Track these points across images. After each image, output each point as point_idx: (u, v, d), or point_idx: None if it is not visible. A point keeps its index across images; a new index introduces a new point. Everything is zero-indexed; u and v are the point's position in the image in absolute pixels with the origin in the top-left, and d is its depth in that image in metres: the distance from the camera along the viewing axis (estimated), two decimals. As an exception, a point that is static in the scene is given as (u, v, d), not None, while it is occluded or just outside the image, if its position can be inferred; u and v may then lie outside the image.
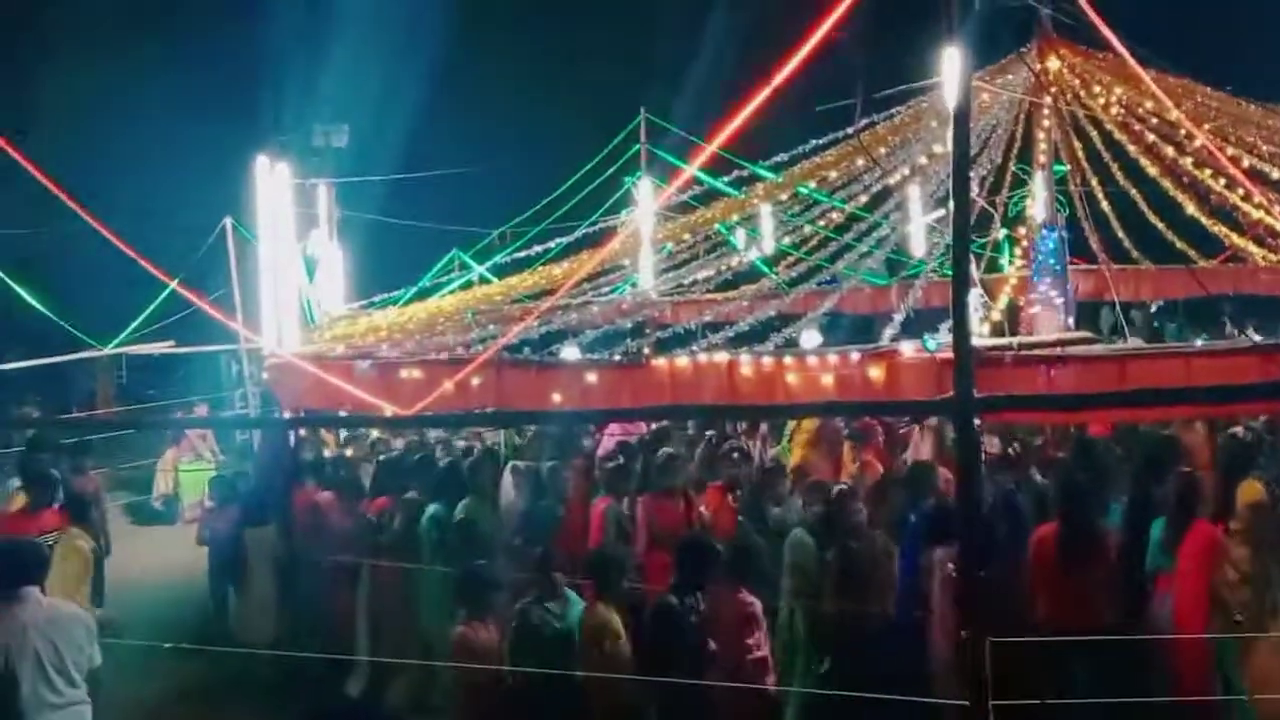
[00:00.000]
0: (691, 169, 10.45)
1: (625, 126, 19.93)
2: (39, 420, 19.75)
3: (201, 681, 9.96)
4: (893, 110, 15.38)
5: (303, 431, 12.54)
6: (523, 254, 17.48)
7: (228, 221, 17.78)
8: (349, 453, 12.80)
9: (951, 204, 9.83)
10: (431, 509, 10.05)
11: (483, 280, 18.84)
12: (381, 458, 12.59)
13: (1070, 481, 8.70)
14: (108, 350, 20.63)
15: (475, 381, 10.31)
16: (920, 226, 16.70)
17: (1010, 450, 10.56)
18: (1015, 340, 10.68)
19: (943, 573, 7.96)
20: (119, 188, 20.58)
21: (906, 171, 15.13)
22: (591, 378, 10.50)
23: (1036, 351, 9.11)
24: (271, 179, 13.52)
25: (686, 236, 16.51)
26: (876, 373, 8.94)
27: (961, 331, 4.99)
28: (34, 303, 18.95)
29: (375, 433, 13.58)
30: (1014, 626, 7.15)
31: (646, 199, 18.79)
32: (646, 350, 13.93)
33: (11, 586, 6.74)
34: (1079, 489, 8.42)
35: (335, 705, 6.65)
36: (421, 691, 9.40)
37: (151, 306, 17.90)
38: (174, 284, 10.86)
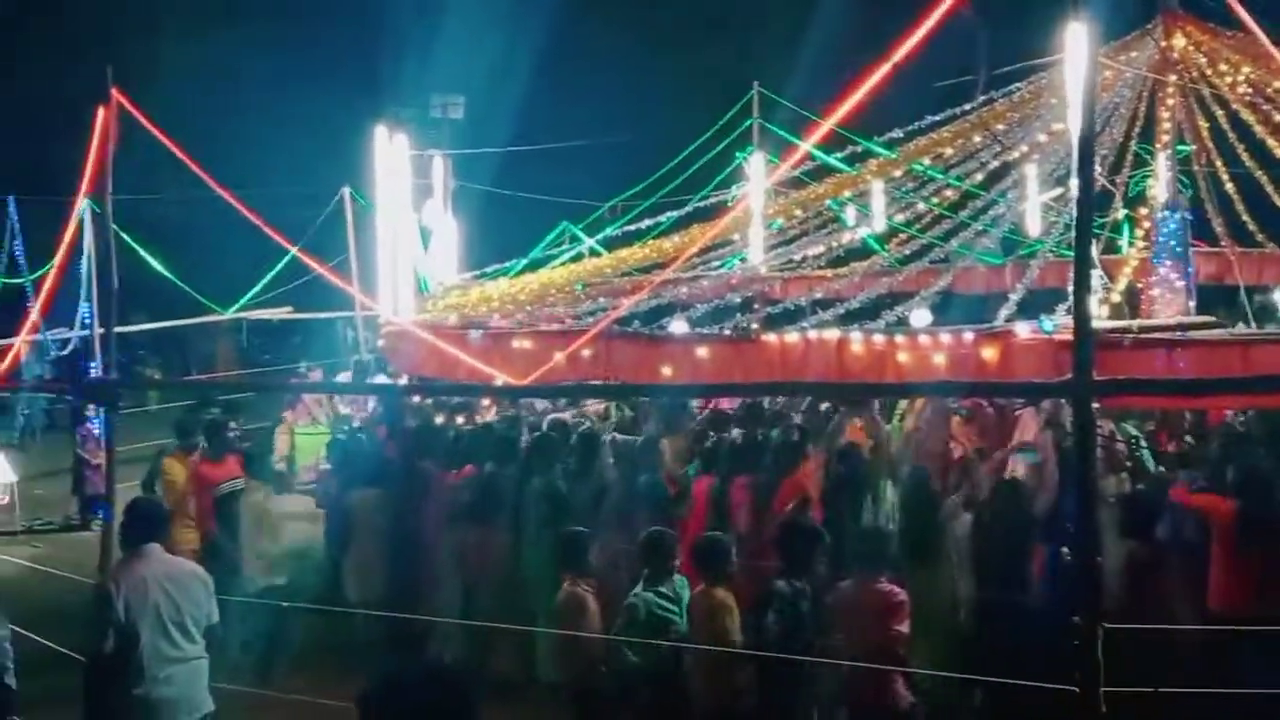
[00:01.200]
0: (807, 146, 10.41)
1: (738, 101, 19.84)
2: (164, 382, 20.34)
3: (316, 638, 10.18)
4: (1012, 86, 15.11)
5: (416, 398, 12.73)
6: (632, 227, 17.53)
7: (346, 191, 18.09)
8: (459, 421, 12.94)
9: (1073, 183, 9.72)
10: (534, 480, 10.09)
11: (592, 253, 18.96)
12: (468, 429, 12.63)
13: (1247, 460, 8.43)
14: (228, 315, 21.13)
15: (585, 353, 10.41)
16: (1037, 205, 16.41)
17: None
18: (1135, 323, 10.46)
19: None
20: (240, 156, 20.99)
21: (1024, 149, 14.87)
22: (701, 352, 10.53)
23: (1156, 335, 8.94)
24: (390, 149, 13.75)
25: (797, 212, 16.42)
26: (990, 353, 8.83)
27: (1082, 312, 4.92)
28: (158, 267, 19.47)
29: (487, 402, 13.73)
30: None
31: (758, 174, 18.73)
32: (755, 326, 13.92)
33: (136, 543, 6.97)
34: (1259, 468, 8.17)
35: (432, 665, 6.83)
36: (522, 655, 9.51)
37: (272, 273, 18.29)
38: (295, 250, 11.11)
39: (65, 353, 20.90)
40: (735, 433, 10.83)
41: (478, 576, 10.05)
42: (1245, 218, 16.96)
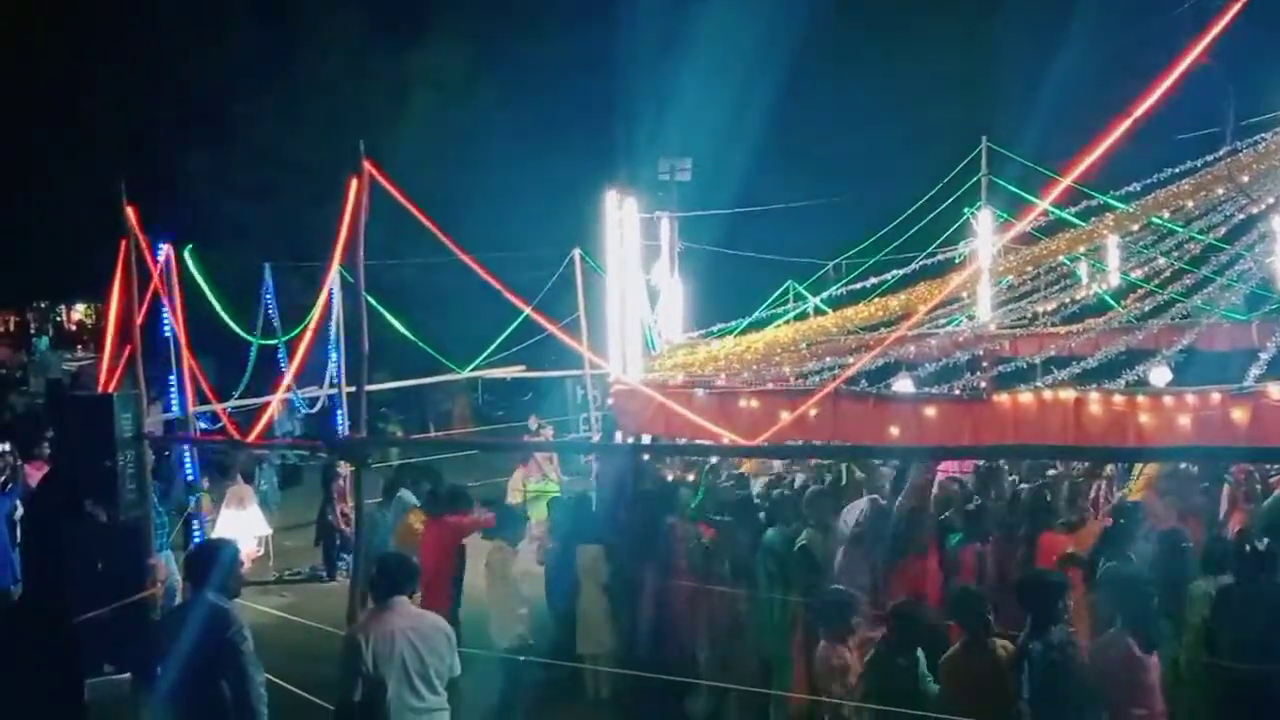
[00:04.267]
0: (1045, 204, 10.18)
1: (965, 156, 19.59)
2: (409, 440, 21.11)
3: (543, 691, 10.38)
4: (1258, 137, 14.50)
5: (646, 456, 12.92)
6: (857, 285, 17.45)
7: (576, 252, 18.56)
8: (690, 478, 13.10)
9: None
10: (769, 535, 10.11)
11: (817, 311, 18.94)
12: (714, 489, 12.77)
13: None
14: (465, 374, 21.84)
15: (812, 413, 10.38)
16: (1283, 258, 15.67)
17: None
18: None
19: None
20: (476, 220, 21.79)
21: (1271, 201, 14.22)
22: (930, 412, 10.36)
23: None
24: (619, 211, 14.06)
25: (1028, 268, 16.07)
26: (1240, 415, 8.45)
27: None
28: (400, 328, 20.33)
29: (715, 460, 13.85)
30: None
31: (986, 229, 18.43)
32: (984, 384, 13.65)
33: (386, 596, 7.26)
34: None
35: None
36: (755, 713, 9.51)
37: (506, 333, 18.86)
38: (528, 310, 11.44)
39: (314, 410, 21.98)
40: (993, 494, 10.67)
41: (717, 633, 10.14)
42: None
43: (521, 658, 9.67)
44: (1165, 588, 8.39)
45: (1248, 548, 8.15)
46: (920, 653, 7.41)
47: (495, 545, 10.77)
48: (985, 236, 18.22)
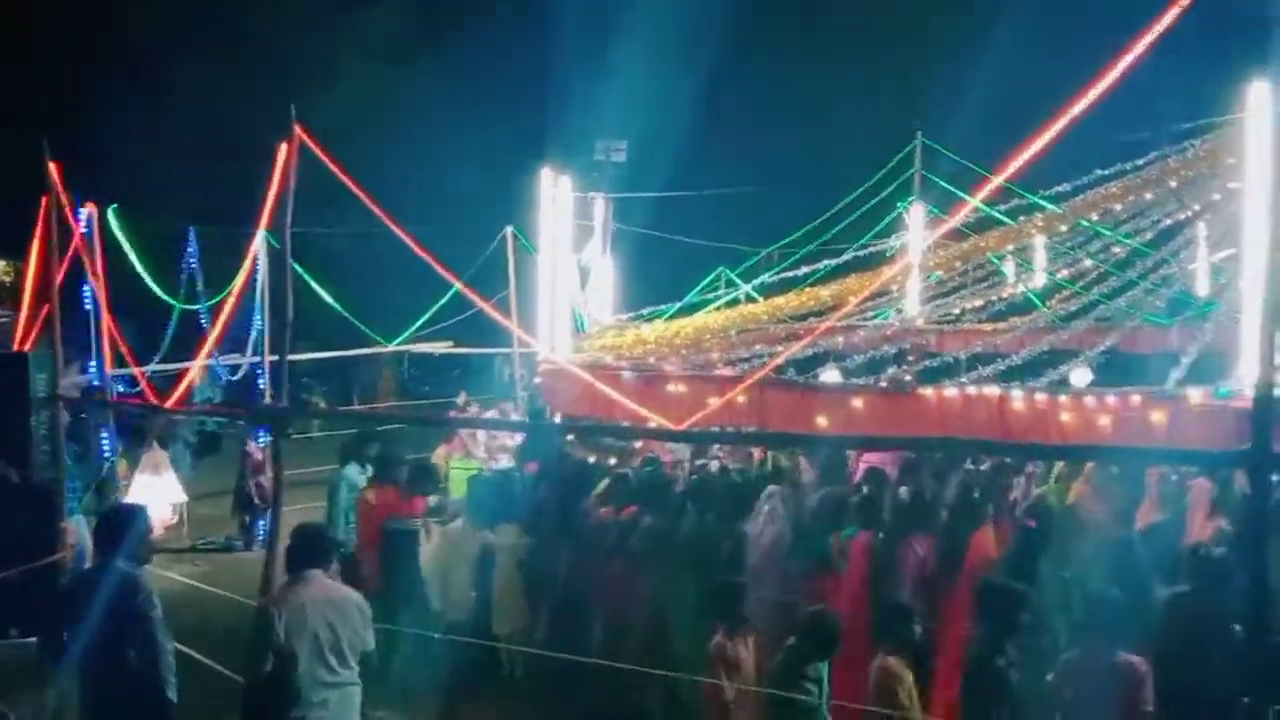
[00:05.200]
0: (975, 201, 10.25)
1: (899, 150, 19.72)
2: (333, 410, 20.91)
3: (460, 672, 10.28)
4: (1185, 144, 14.71)
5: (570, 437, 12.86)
6: (789, 274, 17.51)
7: (508, 230, 18.44)
8: (611, 461, 13.05)
9: (1251, 242, 9.41)
10: (686, 521, 10.08)
11: (748, 299, 18.97)
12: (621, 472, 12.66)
13: None
14: (393, 347, 21.65)
15: (740, 399, 10.38)
16: (1207, 266, 15.95)
17: None
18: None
19: None
20: (407, 193, 21.60)
21: (1196, 208, 14.45)
22: (857, 403, 10.42)
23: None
24: (553, 190, 13.99)
25: (957, 264, 16.20)
26: (1159, 417, 8.57)
27: (1264, 378, 4.76)
28: (328, 299, 20.11)
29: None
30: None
31: (918, 224, 18.57)
32: (909, 378, 13.75)
33: (300, 568, 7.15)
34: None
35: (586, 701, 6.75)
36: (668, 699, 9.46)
37: (436, 306, 18.71)
38: (459, 285, 11.34)
39: (236, 378, 21.67)
40: (902, 490, 10.59)
41: (625, 616, 10.08)
42: None
43: (435, 635, 9.58)
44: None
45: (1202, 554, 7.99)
46: (824, 665, 7.28)
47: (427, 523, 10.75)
48: (917, 231, 18.36)
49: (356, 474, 11.92)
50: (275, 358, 9.08)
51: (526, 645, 10.52)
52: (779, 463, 11.56)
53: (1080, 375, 12.94)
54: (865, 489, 10.50)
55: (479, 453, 14.78)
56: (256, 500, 16.70)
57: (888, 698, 6.87)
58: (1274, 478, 5.07)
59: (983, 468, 11.42)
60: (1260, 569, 4.80)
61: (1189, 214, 14.47)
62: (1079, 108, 6.26)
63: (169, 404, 12.31)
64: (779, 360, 9.95)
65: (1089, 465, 10.22)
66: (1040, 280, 17.13)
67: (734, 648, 7.61)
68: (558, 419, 13.63)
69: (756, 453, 12.48)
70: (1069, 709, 6.61)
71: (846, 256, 17.26)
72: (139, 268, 19.13)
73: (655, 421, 10.53)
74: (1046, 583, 8.24)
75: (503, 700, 10.04)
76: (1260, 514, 4.87)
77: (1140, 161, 14.22)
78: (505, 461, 14.13)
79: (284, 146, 8.75)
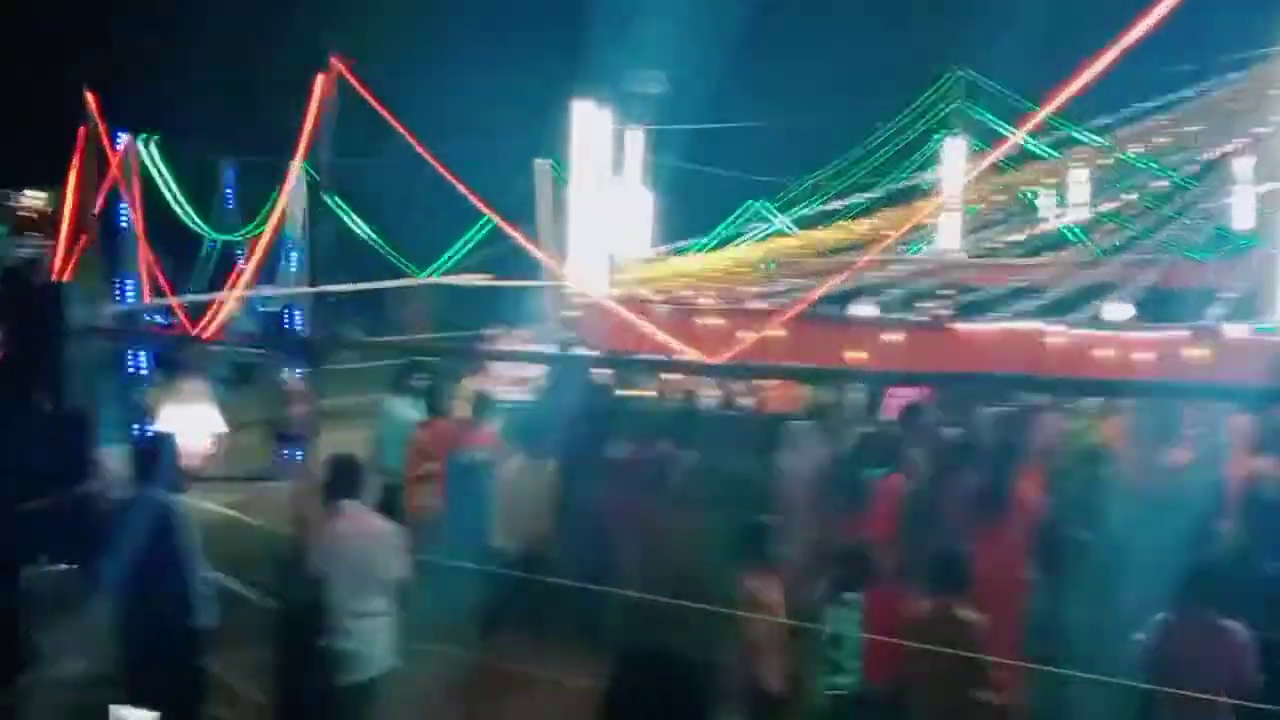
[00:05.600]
0: (1019, 135, 10.07)
1: (939, 83, 19.47)
2: (369, 342, 20.98)
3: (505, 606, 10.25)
4: (1231, 76, 14.43)
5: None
6: (825, 208, 17.39)
7: (544, 161, 18.32)
8: (646, 396, 12.99)
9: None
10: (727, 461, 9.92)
11: (783, 232, 18.85)
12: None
13: None
14: (428, 279, 21.62)
15: (775, 334, 10.31)
16: (1248, 200, 15.72)
17: None
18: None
19: None
20: (442, 125, 21.48)
21: (1242, 140, 14.21)
22: (892, 338, 10.38)
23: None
24: (590, 122, 13.89)
25: (997, 198, 16.05)
26: (1199, 353, 8.48)
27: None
28: (363, 231, 20.08)
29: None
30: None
31: (956, 158, 18.37)
32: (946, 312, 13.65)
33: (334, 499, 7.16)
34: None
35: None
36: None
37: (471, 238, 18.63)
38: (494, 217, 11.27)
39: (271, 309, 21.71)
40: (948, 430, 10.28)
41: (658, 554, 10.02)
42: None
43: (469, 565, 9.57)
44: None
45: None
46: (859, 596, 7.10)
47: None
48: (955, 165, 18.17)
49: (403, 406, 11.95)
50: (311, 289, 9.05)
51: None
52: (817, 399, 11.45)
53: (1119, 310, 12.80)
54: (903, 427, 10.34)
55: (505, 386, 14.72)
56: (293, 430, 16.79)
57: (970, 649, 6.57)
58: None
59: (1010, 406, 11.15)
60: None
61: (1233, 147, 14.26)
62: (1128, 39, 6.07)
63: (205, 335, 12.36)
64: (819, 294, 9.84)
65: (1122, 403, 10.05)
66: (1081, 215, 16.93)
67: (765, 589, 7.46)
68: (591, 353, 13.60)
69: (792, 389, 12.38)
70: (1168, 672, 6.25)
71: (884, 190, 17.11)
72: (175, 198, 19.15)
73: (689, 355, 10.50)
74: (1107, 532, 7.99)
75: (544, 637, 10.02)
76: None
77: (1186, 94, 14.01)
78: (520, 393, 13.98)
79: (320, 78, 8.69)
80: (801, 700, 6.93)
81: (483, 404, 11.23)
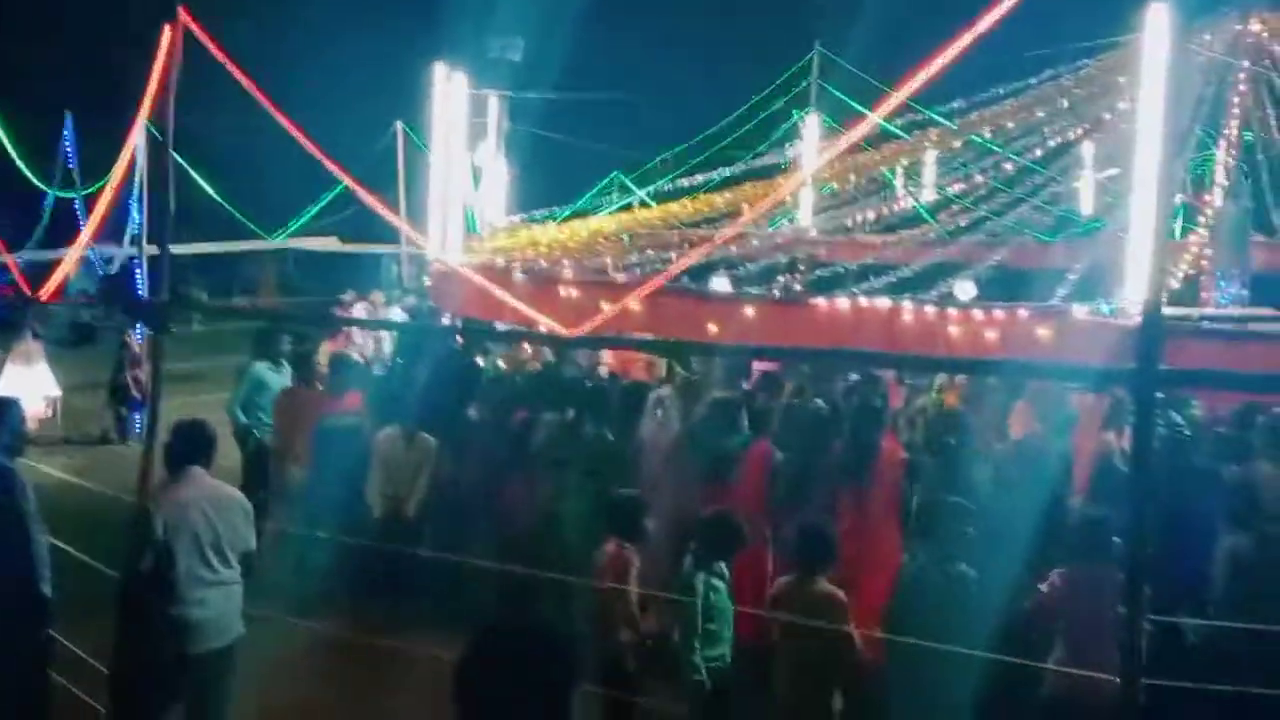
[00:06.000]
0: (876, 117, 10.17)
1: (798, 60, 19.65)
2: (215, 306, 20.47)
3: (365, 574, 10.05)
4: (1080, 63, 14.86)
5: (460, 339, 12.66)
6: (684, 182, 17.44)
7: (399, 126, 18.03)
8: (501, 365, 12.90)
9: (1142, 162, 9.53)
10: (586, 429, 9.86)
11: (641, 204, 18.86)
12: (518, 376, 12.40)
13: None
14: (276, 242, 21.18)
15: (632, 305, 10.29)
16: (1093, 183, 16.23)
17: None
18: (1196, 311, 10.30)
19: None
20: (295, 85, 20.98)
21: (1087, 126, 14.65)
22: (749, 312, 10.44)
23: (1219, 325, 8.78)
24: (447, 87, 13.67)
25: (850, 176, 16.27)
26: (1045, 333, 8.71)
27: (1153, 297, 4.77)
28: (210, 191, 19.54)
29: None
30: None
31: (813, 135, 18.57)
32: (800, 287, 13.83)
33: (180, 465, 6.94)
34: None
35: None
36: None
37: (322, 202, 18.31)
38: (348, 180, 10.99)
39: (112, 270, 21.01)
40: (818, 400, 10.35)
41: (515, 522, 9.95)
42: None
43: (320, 534, 9.38)
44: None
45: None
46: (727, 566, 7.13)
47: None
48: (811, 142, 18.36)
49: (266, 371, 11.66)
50: (154, 250, 8.71)
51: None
52: (675, 369, 11.49)
53: (964, 289, 13.12)
54: (760, 395, 10.44)
55: (369, 350, 14.52)
56: (134, 394, 16.30)
57: (834, 621, 6.67)
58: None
59: (853, 378, 11.26)
60: (1147, 486, 4.85)
61: (1078, 133, 14.68)
62: (983, 24, 6.17)
63: (43, 295, 11.88)
64: (679, 267, 9.85)
65: (961, 377, 10.28)
66: (931, 195, 17.29)
67: (628, 557, 7.43)
68: (447, 320, 13.44)
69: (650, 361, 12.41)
70: (1066, 622, 6.46)
71: (741, 165, 17.22)
72: (11, 152, 18.36)
73: (546, 326, 10.41)
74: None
75: (398, 600, 9.86)
76: (1146, 429, 4.91)
77: (1035, 80, 14.38)
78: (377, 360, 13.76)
79: (167, 30, 8.34)
80: (680, 674, 6.95)
81: (342, 369, 11.04)
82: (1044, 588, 6.55)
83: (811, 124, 18.63)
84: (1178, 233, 15.82)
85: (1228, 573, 7.09)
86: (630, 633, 7.19)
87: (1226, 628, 6.23)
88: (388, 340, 14.16)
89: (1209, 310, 10.96)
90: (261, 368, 11.60)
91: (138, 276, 18.29)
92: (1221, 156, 14.05)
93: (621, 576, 7.17)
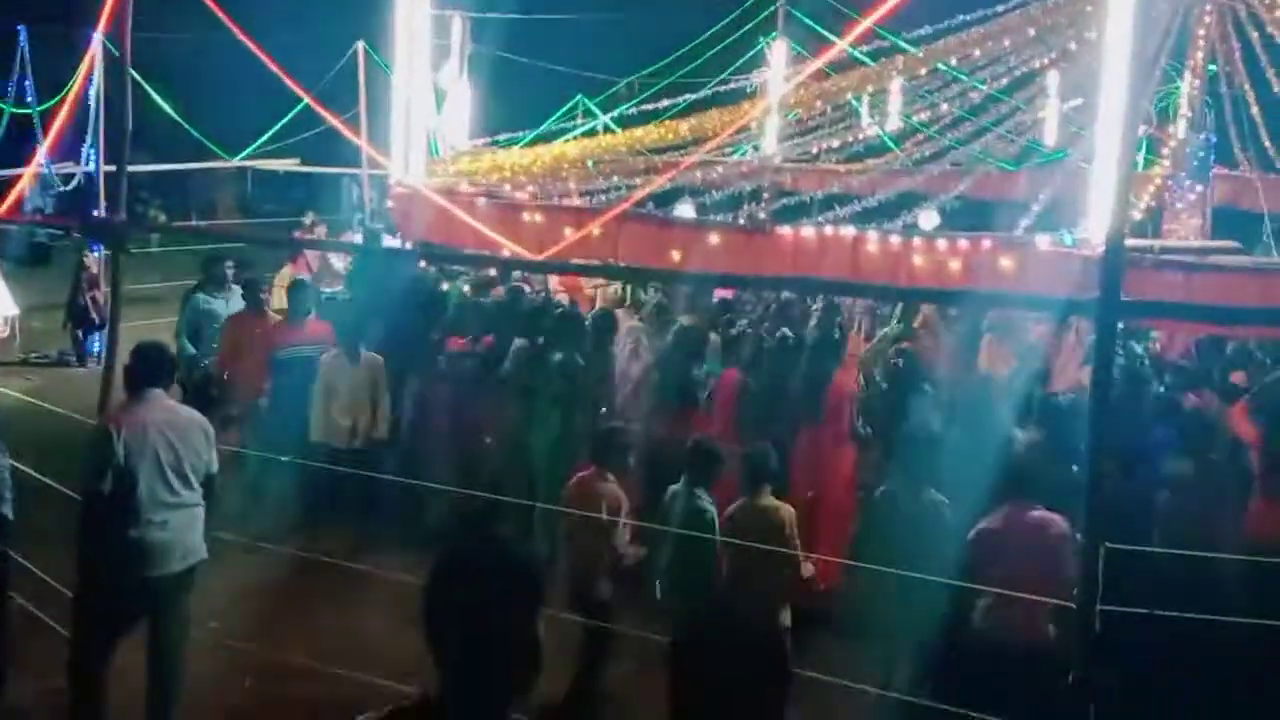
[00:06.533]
0: (844, 44, 10.10)
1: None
2: (174, 226, 20.21)
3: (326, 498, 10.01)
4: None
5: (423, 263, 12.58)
6: (649, 107, 17.28)
7: (360, 45, 17.74)
8: (465, 289, 12.82)
9: (1106, 93, 9.52)
10: (556, 356, 9.78)
11: (606, 129, 18.70)
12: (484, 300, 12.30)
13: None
14: (235, 162, 20.87)
15: (596, 231, 10.24)
16: (1058, 114, 16.18)
17: None
18: (1156, 243, 10.35)
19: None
20: (254, 1, 20.58)
21: (1053, 56, 14.58)
22: (714, 239, 10.40)
23: (1178, 257, 8.84)
24: (409, 6, 13.46)
25: (816, 104, 16.16)
26: (1007, 263, 8.73)
27: (1116, 229, 4.82)
28: (168, 110, 19.19)
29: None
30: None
31: (779, 61, 18.40)
32: (764, 216, 13.78)
33: (140, 387, 6.89)
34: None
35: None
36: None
37: (282, 121, 18.01)
38: (309, 99, 10.85)
39: (68, 188, 20.69)
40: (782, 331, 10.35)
41: (482, 446, 9.95)
42: (1267, 143, 16.70)
43: (284, 458, 9.36)
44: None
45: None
46: (708, 492, 7.18)
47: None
48: (778, 68, 18.21)
49: (210, 299, 11.54)
50: (111, 168, 8.57)
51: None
52: (639, 297, 11.49)
53: (928, 219, 13.11)
54: (725, 324, 10.49)
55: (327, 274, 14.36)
56: (92, 315, 16.15)
57: (777, 536, 6.80)
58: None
59: (815, 306, 11.27)
60: (1107, 417, 4.92)
61: (1044, 63, 14.62)
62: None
63: (-2, 213, 11.69)
64: (643, 194, 9.79)
65: (926, 308, 10.33)
66: (896, 124, 17.20)
67: (610, 484, 7.43)
68: (409, 245, 13.32)
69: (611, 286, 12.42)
70: (1000, 562, 6.45)
71: (707, 91, 17.07)
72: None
73: (510, 251, 10.37)
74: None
75: (360, 525, 9.85)
76: (1106, 359, 4.97)
77: (1002, 8, 14.28)
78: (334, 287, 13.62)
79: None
80: (668, 600, 7.02)
81: (301, 294, 10.93)
82: (979, 526, 6.56)
83: (779, 49, 18.46)
84: (1140, 164, 15.86)
85: (1165, 498, 7.27)
86: (608, 560, 7.27)
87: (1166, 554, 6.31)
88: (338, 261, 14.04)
89: (1169, 242, 11.02)
90: (202, 297, 11.50)
91: (95, 196, 18.04)
92: (1186, 88, 14.03)
93: (598, 504, 7.23)
